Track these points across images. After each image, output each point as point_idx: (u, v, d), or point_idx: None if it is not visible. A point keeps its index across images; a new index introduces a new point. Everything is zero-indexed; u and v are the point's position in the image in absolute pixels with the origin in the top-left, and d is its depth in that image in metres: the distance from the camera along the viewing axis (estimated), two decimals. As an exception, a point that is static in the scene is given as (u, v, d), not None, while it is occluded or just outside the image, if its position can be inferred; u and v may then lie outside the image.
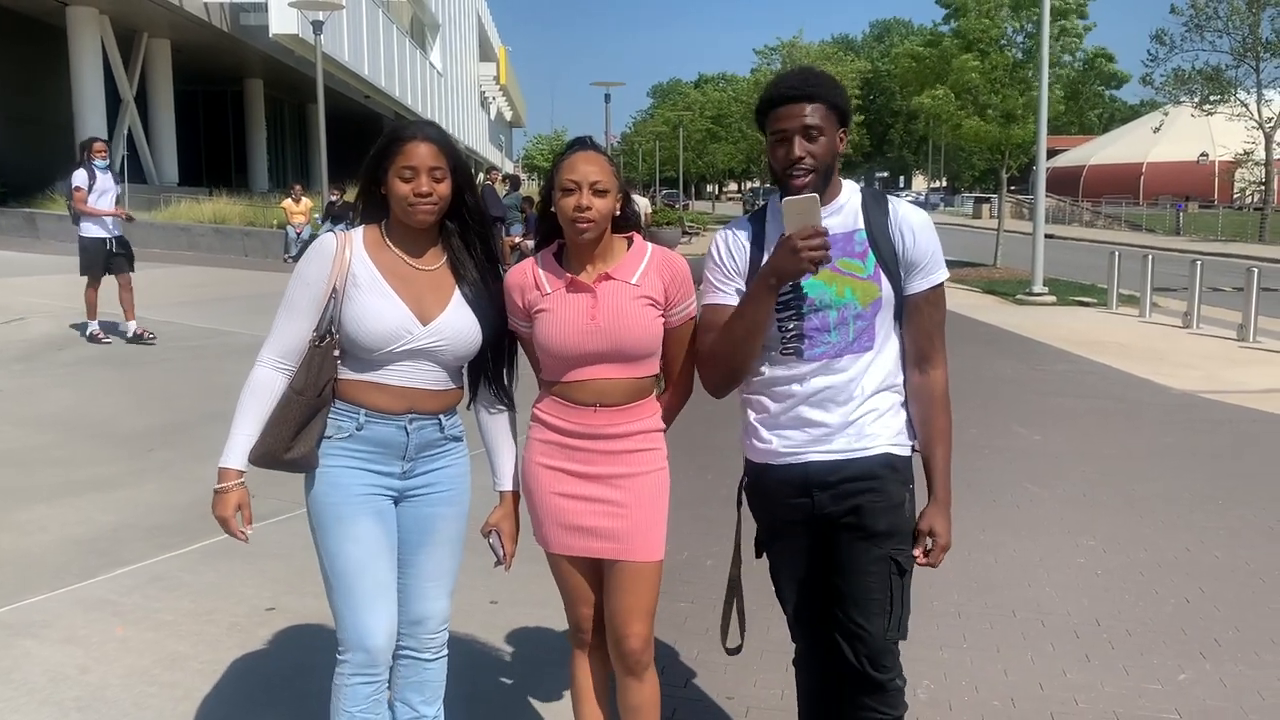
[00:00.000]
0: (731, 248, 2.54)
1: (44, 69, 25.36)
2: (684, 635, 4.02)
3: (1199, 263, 14.14)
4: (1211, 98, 35.01)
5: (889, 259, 2.45)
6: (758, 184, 67.81)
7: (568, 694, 2.87)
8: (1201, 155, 47.87)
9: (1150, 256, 15.50)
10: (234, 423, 2.46)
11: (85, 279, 10.20)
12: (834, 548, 2.52)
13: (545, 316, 2.52)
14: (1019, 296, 16.87)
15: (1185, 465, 6.81)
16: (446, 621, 2.69)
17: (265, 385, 2.46)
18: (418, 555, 2.60)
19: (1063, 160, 57.37)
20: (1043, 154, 18.00)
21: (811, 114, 2.37)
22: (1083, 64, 23.92)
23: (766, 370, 2.52)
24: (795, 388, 2.48)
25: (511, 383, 2.69)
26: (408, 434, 2.50)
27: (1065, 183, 54.96)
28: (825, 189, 2.43)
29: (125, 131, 26.01)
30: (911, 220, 2.49)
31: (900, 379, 2.54)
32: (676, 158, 60.81)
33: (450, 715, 2.80)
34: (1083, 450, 7.08)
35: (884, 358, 2.50)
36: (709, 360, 2.52)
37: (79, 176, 9.95)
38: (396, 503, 2.56)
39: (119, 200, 10.32)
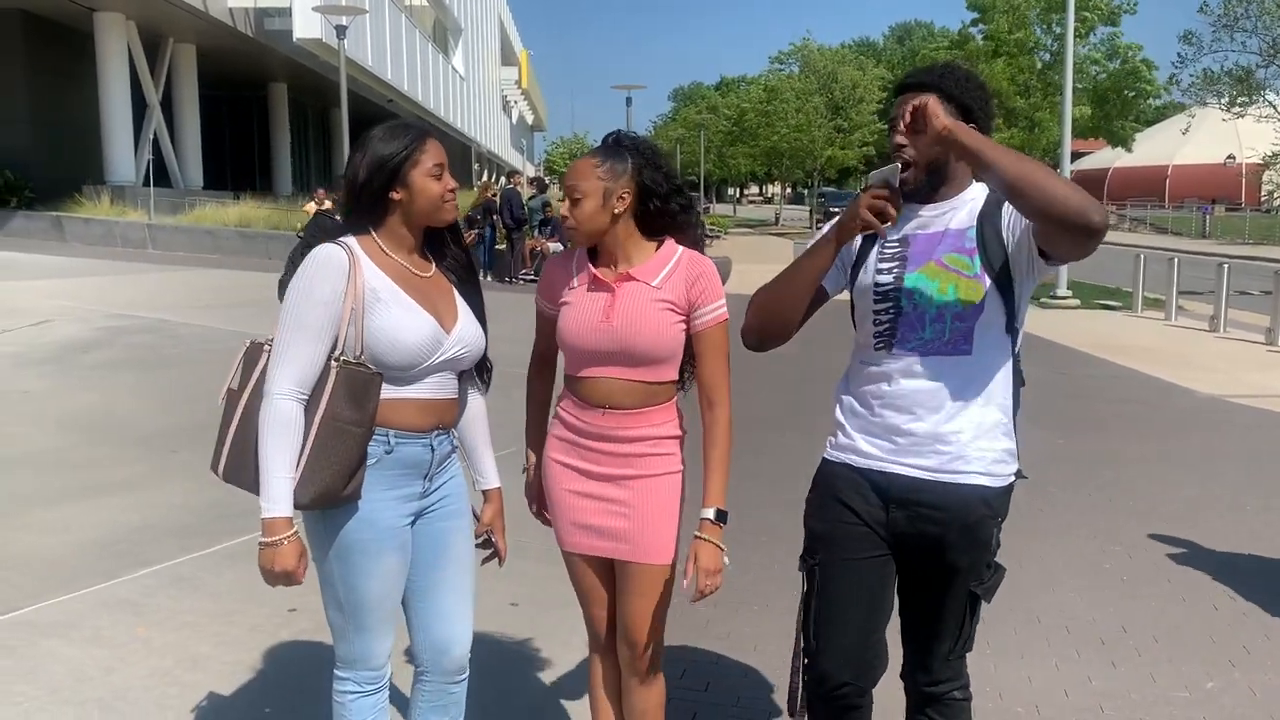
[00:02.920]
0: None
1: (71, 74, 25.61)
2: (705, 639, 4.00)
3: (1226, 266, 14.02)
4: (1240, 100, 34.66)
5: (995, 260, 2.27)
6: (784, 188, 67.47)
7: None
8: (1228, 158, 47.35)
9: (1176, 259, 15.37)
10: (269, 466, 2.22)
11: None
12: (904, 568, 2.42)
13: (566, 310, 2.52)
14: (1043, 300, 16.74)
15: (1212, 470, 6.74)
16: (469, 644, 2.60)
17: (292, 420, 2.24)
18: (434, 574, 2.51)
19: (1087, 163, 56.92)
20: (1067, 156, 17.88)
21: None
22: (1115, 71, 23.69)
23: (857, 367, 2.44)
24: (884, 387, 2.35)
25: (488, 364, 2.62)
26: (433, 450, 2.43)
27: (1090, 185, 53.74)
28: (936, 186, 2.32)
29: (151, 136, 26.25)
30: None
31: (1011, 401, 2.35)
32: (697, 161, 60.72)
33: (470, 718, 2.79)
34: (1108, 454, 7.01)
35: (983, 368, 2.30)
36: (752, 304, 2.43)
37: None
38: (413, 523, 2.47)
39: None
